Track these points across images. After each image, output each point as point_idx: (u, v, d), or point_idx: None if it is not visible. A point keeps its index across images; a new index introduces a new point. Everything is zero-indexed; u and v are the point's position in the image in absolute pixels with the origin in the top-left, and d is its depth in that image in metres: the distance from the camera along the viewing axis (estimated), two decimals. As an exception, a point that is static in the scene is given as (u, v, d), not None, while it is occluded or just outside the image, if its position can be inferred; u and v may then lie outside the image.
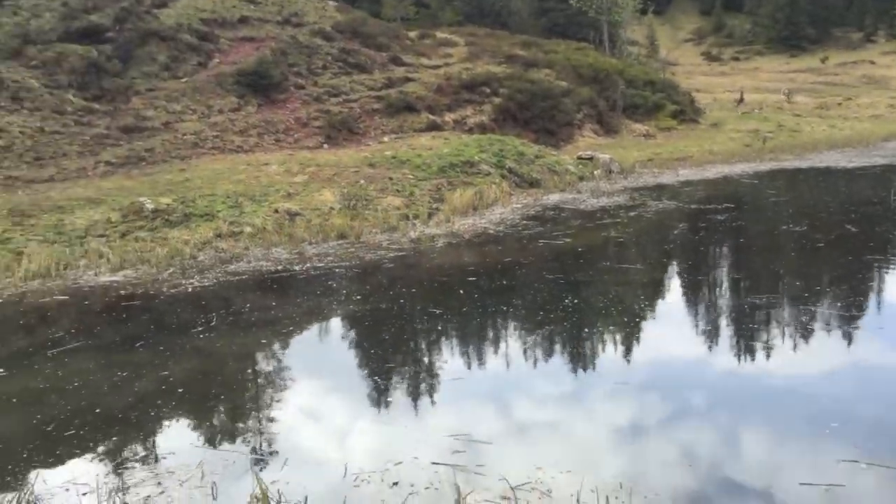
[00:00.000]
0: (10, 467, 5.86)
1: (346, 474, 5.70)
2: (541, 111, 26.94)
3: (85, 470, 5.83)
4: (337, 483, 5.61)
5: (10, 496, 5.10)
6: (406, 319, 9.54)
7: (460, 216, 16.36)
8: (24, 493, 5.16)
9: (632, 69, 34.05)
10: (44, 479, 5.47)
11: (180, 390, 7.30)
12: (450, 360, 8.14)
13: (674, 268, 12.40)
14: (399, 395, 7.28)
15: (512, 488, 5.36)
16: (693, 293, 10.73)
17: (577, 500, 5.24)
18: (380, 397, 7.25)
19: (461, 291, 10.67)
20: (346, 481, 5.62)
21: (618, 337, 8.79)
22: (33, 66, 20.86)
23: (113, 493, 5.34)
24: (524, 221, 15.81)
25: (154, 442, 6.37)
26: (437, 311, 9.73)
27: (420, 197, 17.56)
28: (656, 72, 36.66)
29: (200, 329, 9.12)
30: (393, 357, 8.32)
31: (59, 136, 18.61)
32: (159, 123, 20.57)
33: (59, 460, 5.98)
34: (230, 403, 7.18)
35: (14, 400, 6.98)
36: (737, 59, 71.17)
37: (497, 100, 26.76)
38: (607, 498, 5.15)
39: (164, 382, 7.44)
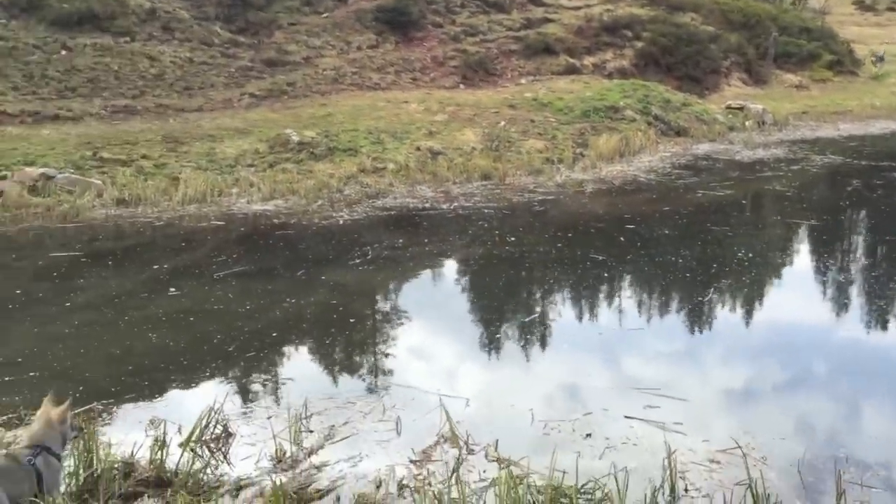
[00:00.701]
0: (195, 387, 5.84)
1: (534, 421, 5.36)
2: (685, 57, 25.37)
3: (267, 393, 5.74)
4: (524, 429, 5.28)
5: (202, 413, 5.02)
6: (568, 264, 9.07)
7: (606, 162, 15.61)
8: (214, 413, 5.07)
9: (786, 15, 31.64)
10: (231, 400, 5.38)
11: (351, 320, 7.14)
12: (624, 309, 7.64)
13: (854, 225, 11.35)
14: (576, 342, 6.87)
15: (741, 447, 4.85)
16: (884, 252, 9.74)
17: (799, 472, 4.70)
18: (555, 343, 6.86)
19: (621, 239, 10.09)
20: (534, 428, 5.28)
21: (812, 296, 8.04)
22: (182, -2, 21.21)
23: (298, 419, 5.18)
24: (676, 171, 14.92)
25: (331, 369, 6.22)
26: (600, 258, 9.20)
27: (563, 141, 16.88)
28: (813, 19, 33.93)
29: (358, 261, 8.96)
30: (562, 302, 7.90)
31: (206, 66, 18.88)
32: (300, 58, 20.58)
33: (243, 381, 5.91)
34: (402, 337, 6.95)
35: (192, 319, 6.99)
36: (893, 9, 65.38)
37: (639, 44, 25.39)
38: (839, 473, 4.57)
39: (333, 311, 7.30)
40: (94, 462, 4.44)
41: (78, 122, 15.20)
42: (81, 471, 4.39)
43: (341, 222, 10.86)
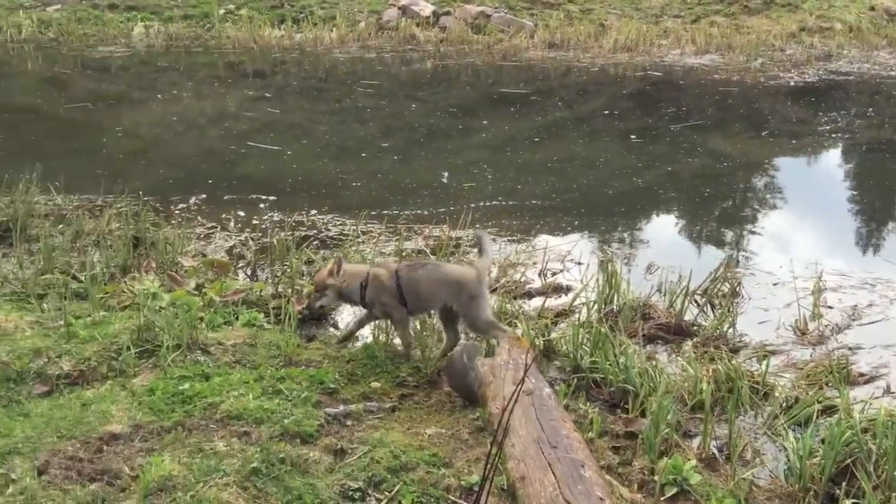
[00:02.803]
0: (686, 235, 5.50)
1: None
2: None
3: (771, 257, 5.20)
4: None
5: (714, 268, 4.64)
6: None
7: None
8: (724, 269, 4.65)
9: None
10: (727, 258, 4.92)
11: (849, 194, 6.24)
12: None
13: None
14: None
15: None
16: None
17: None
18: None
19: None
20: None
21: None
22: None
23: (817, 293, 4.58)
24: None
25: (841, 242, 5.48)
26: None
27: None
28: None
29: (827, 128, 7.86)
30: None
31: None
32: None
33: (738, 239, 5.44)
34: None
35: (669, 169, 6.53)
36: None
37: None
38: None
39: (818, 183, 6.46)
40: (615, 299, 4.31)
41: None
42: (602, 304, 4.28)
43: (791, 84, 9.66)
